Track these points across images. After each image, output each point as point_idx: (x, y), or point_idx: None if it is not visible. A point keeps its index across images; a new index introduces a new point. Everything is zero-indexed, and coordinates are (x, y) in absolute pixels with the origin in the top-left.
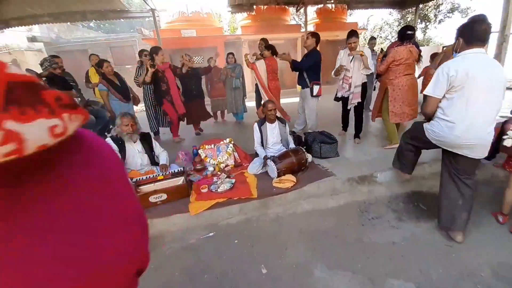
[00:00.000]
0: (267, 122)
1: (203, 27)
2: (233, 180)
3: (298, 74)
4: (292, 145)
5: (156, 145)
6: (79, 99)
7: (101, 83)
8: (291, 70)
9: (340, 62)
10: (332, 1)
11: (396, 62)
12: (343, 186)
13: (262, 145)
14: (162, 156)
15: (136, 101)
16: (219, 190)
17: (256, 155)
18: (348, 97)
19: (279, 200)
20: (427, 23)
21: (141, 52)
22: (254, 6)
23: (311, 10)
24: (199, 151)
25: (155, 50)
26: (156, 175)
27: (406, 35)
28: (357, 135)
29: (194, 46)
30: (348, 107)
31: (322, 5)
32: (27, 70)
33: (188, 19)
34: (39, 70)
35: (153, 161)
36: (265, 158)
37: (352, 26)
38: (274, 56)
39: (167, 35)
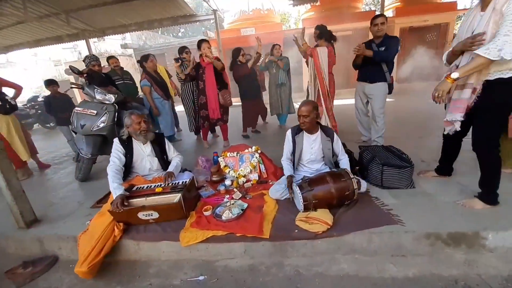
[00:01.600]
0: (304, 131)
1: (263, 24)
2: (245, 205)
3: (364, 66)
4: (344, 166)
5: (169, 148)
6: (116, 95)
7: (145, 78)
8: (354, 68)
9: (463, 33)
10: None
11: None
12: (417, 245)
13: (293, 161)
14: (174, 161)
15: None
16: (223, 217)
17: None
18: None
19: (303, 248)
20: None
21: (182, 49)
22: None
23: None
24: (219, 159)
25: (198, 44)
26: (156, 186)
27: None
28: (486, 192)
29: (253, 44)
30: (447, 131)
31: None
32: (70, 66)
33: (248, 17)
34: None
35: (166, 166)
36: (289, 179)
37: (448, 7)
38: (332, 43)
39: (228, 35)
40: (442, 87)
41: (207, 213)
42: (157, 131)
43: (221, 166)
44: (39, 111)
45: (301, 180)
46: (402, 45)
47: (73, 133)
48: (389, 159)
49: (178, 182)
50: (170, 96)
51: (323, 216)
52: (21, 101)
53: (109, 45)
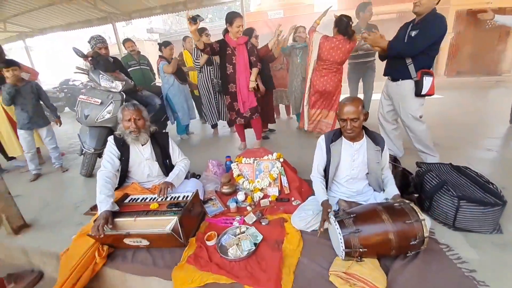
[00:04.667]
0: (343, 138)
1: (292, 6)
2: (260, 238)
3: (389, 57)
4: (393, 191)
5: (174, 150)
6: (124, 83)
7: (162, 61)
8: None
9: None
10: None
11: None
12: None
13: (326, 177)
14: (176, 168)
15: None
16: (229, 253)
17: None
18: None
19: None
20: None
21: (201, 31)
22: None
23: None
24: (232, 166)
25: (230, 17)
26: (152, 199)
27: None
28: None
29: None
30: None
31: None
32: (73, 48)
33: None
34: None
35: (168, 172)
36: (325, 205)
37: None
38: (346, 37)
39: (254, 18)
40: None
41: (210, 243)
42: (164, 131)
43: (234, 175)
44: (69, 95)
45: (340, 210)
46: (458, 30)
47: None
48: (468, 190)
49: (178, 196)
50: (186, 80)
51: (373, 277)
52: (52, 84)
53: (136, 30)
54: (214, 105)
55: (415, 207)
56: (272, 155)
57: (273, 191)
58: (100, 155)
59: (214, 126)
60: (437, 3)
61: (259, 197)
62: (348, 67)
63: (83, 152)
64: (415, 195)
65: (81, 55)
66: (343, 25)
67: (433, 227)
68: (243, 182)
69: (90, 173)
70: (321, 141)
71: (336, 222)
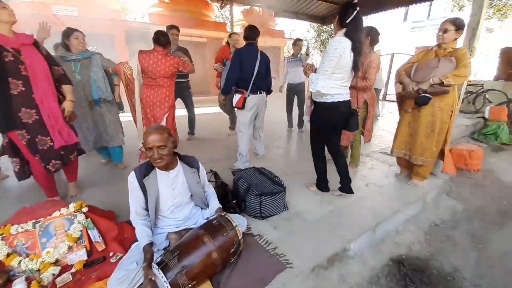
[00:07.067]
0: (157, 169)
1: (91, 6)
2: None
3: None
4: (215, 206)
5: None
6: None
7: None
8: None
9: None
10: (259, 4)
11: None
12: (305, 283)
13: (149, 215)
14: None
15: None
16: None
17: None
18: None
19: None
20: None
21: None
22: None
23: (238, 10)
24: None
25: None
26: None
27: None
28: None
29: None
30: None
31: (249, 6)
32: None
33: None
34: None
35: None
36: (146, 251)
37: (279, 34)
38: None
39: (30, 10)
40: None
41: None
42: None
43: (1, 257)
44: None
45: (165, 251)
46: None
47: None
48: (264, 186)
49: None
50: None
51: None
52: None
53: None
54: None
55: (229, 217)
56: (67, 207)
57: (78, 256)
58: None
59: None
60: (254, 40)
61: (54, 274)
62: None
63: None
64: (233, 201)
65: None
66: (157, 37)
67: (250, 223)
68: (19, 263)
69: None
70: (131, 178)
71: (159, 270)
